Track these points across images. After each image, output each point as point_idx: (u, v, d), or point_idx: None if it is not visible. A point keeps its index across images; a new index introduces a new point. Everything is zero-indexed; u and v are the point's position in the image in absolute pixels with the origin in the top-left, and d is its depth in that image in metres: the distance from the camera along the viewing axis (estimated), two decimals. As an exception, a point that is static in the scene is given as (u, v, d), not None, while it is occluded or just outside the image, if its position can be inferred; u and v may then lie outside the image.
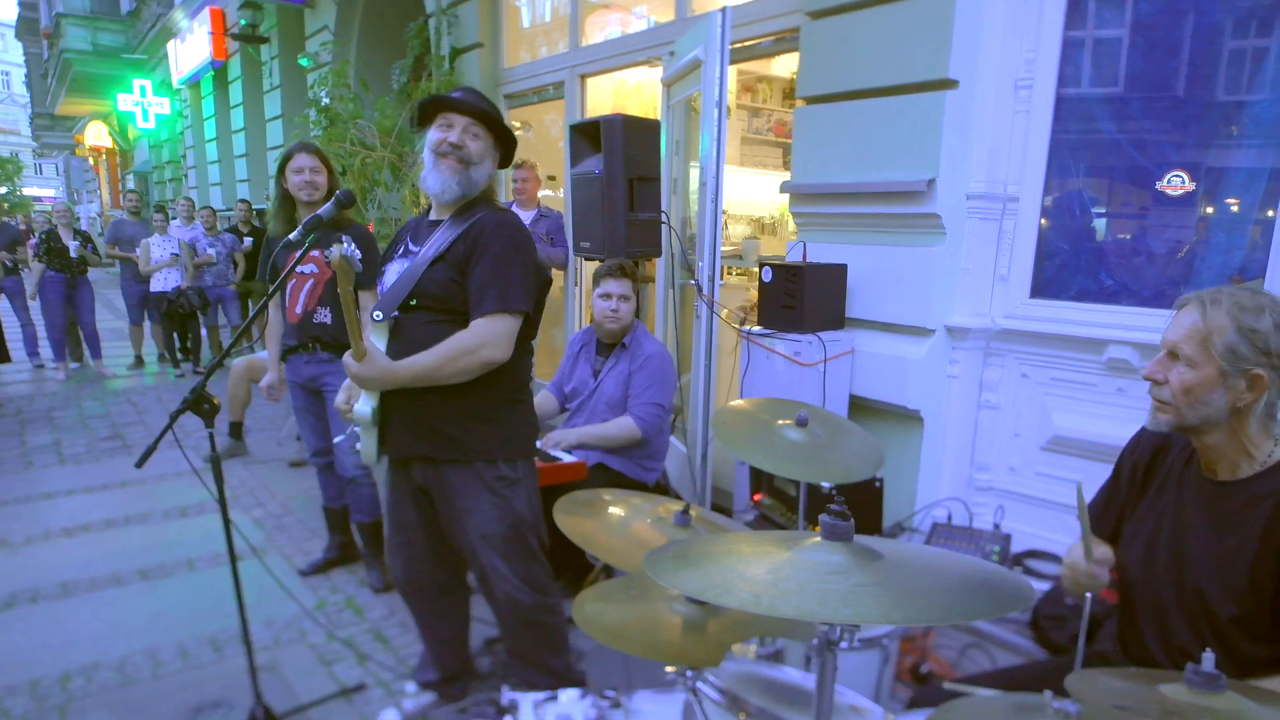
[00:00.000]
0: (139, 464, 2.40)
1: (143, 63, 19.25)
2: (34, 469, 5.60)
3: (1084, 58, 3.38)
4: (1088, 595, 1.55)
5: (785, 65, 7.22)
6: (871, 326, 3.77)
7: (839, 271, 3.74)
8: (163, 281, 8.58)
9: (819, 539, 1.18)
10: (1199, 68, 3.19)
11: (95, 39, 19.89)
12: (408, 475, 2.50)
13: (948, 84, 3.39)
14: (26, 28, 28.87)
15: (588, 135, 3.90)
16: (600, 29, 6.25)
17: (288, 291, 3.63)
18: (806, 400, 3.18)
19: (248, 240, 9.35)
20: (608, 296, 3.62)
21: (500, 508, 2.41)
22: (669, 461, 3.95)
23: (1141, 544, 1.78)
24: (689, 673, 1.35)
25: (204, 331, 9.39)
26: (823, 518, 1.16)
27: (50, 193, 43.36)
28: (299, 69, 9.69)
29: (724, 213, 7.53)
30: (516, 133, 2.59)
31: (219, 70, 13.77)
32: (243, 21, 10.79)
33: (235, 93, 13.27)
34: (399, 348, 2.29)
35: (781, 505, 3.44)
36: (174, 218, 9.26)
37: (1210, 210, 3.19)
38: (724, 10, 3.55)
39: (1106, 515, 1.93)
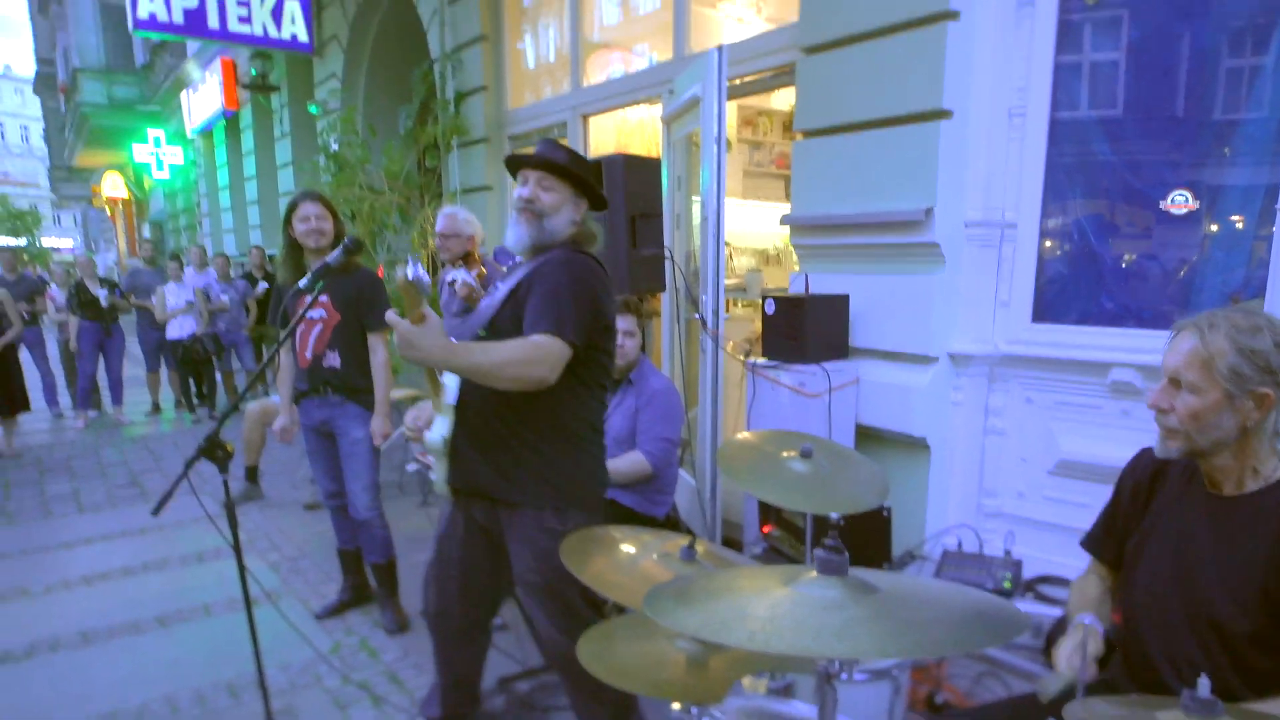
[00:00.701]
0: (155, 511, 2.43)
1: (157, 114, 19.66)
2: (53, 518, 5.67)
3: (1077, 83, 3.43)
4: (1085, 624, 1.56)
5: (785, 99, 7.30)
6: (875, 355, 3.80)
7: (841, 302, 3.78)
8: (178, 329, 8.71)
9: (815, 573, 1.20)
10: (1192, 88, 3.23)
11: (111, 92, 20.32)
12: (468, 511, 2.53)
13: (942, 114, 3.44)
14: (44, 83, 29.57)
15: (590, 175, 3.96)
16: (601, 69, 6.36)
17: (298, 337, 3.69)
18: (813, 431, 3.21)
19: (261, 285, 9.48)
20: (613, 333, 3.66)
21: (541, 559, 2.37)
22: (679, 495, 3.96)
23: (1145, 563, 1.79)
24: (694, 709, 1.37)
25: (219, 377, 9.50)
26: (817, 552, 1.19)
27: (68, 243, 44.08)
28: (308, 116, 9.89)
29: (728, 245, 7.61)
30: None
31: (231, 119, 14.05)
32: (253, 71, 11.03)
33: (247, 140, 13.53)
34: (470, 383, 2.31)
35: (790, 537, 3.45)
36: (188, 265, 9.42)
37: (1208, 229, 3.21)
38: (720, 48, 3.63)
39: (1109, 538, 1.94)
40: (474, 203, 7.12)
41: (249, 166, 13.58)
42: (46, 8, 27.37)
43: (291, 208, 3.67)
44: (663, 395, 3.65)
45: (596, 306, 2.32)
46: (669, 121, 4.77)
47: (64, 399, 9.26)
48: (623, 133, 7.03)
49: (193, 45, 14.58)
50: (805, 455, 2.31)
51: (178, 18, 9.03)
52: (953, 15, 3.39)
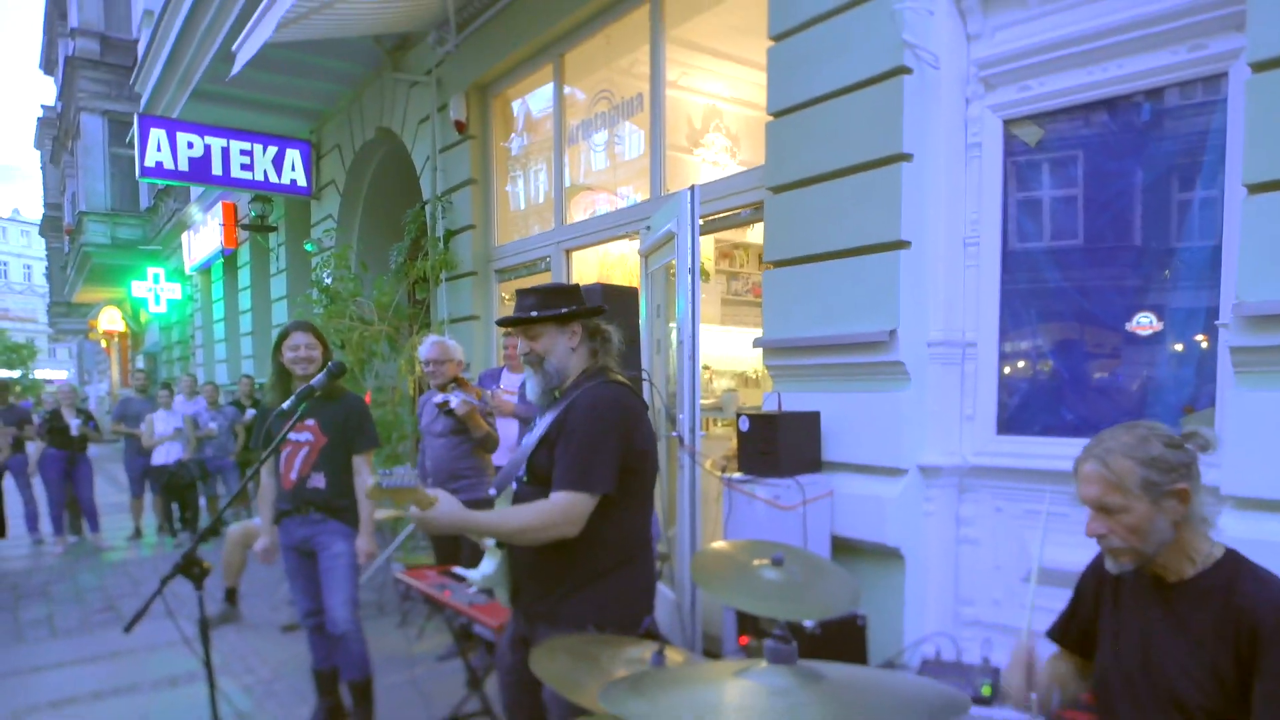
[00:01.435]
0: (127, 629, 2.44)
1: (157, 253, 20.26)
2: (26, 643, 5.56)
3: (1025, 215, 3.71)
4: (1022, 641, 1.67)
5: (760, 233, 7.68)
6: (848, 469, 3.91)
7: (812, 418, 3.92)
8: (164, 454, 8.76)
9: (765, 663, 1.28)
10: (1128, 221, 3.49)
11: (114, 233, 21.01)
12: (517, 623, 2.58)
13: (900, 244, 3.70)
14: (50, 225, 30.48)
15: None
16: (584, 208, 6.72)
17: (282, 459, 3.77)
18: (789, 542, 3.27)
19: (250, 412, 9.59)
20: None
21: None
22: (659, 609, 3.97)
23: (1116, 654, 1.88)
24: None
25: (203, 502, 9.47)
26: (766, 643, 1.26)
27: (63, 374, 44.25)
28: (304, 252, 10.27)
29: (707, 368, 7.84)
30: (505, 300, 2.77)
31: (229, 256, 14.50)
32: (253, 213, 11.48)
33: (244, 277, 13.93)
34: None
35: (769, 649, 3.46)
36: (178, 393, 9.55)
37: (1159, 347, 3.40)
38: (693, 188, 3.92)
39: (1071, 627, 2.06)
40: (461, 331, 7.35)
41: (244, 301, 13.92)
42: (58, 157, 28.57)
43: (282, 336, 3.80)
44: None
45: (625, 443, 2.37)
46: (646, 255, 5.04)
47: (46, 525, 9.18)
48: (605, 265, 7.36)
49: (196, 189, 15.21)
50: (777, 563, 2.37)
51: (183, 165, 9.51)
52: (906, 157, 3.69)
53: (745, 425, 3.95)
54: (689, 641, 3.74)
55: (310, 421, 3.72)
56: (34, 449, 8.85)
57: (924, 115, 3.70)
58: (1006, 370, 3.71)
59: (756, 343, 4.38)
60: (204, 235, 15.56)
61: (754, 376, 7.87)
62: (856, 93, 3.84)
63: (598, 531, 2.35)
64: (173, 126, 9.45)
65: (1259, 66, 2.81)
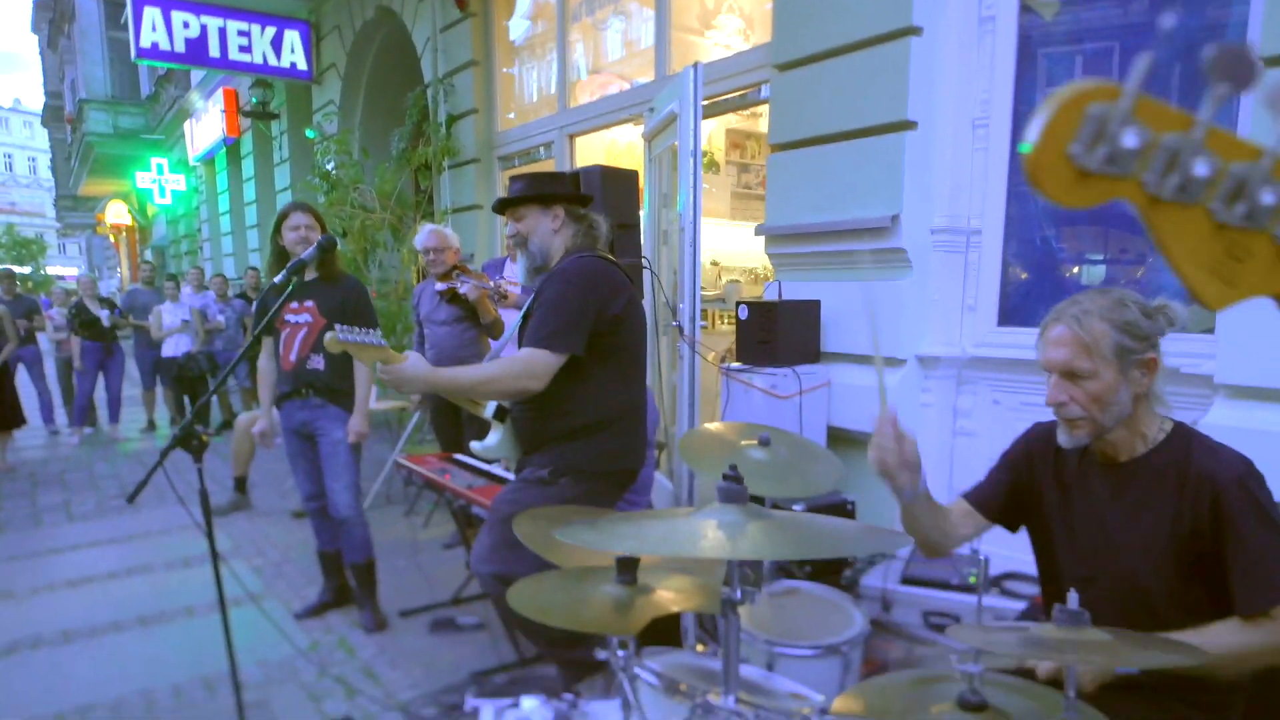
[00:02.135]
0: (130, 499, 2.50)
1: (160, 142, 19.95)
2: (43, 527, 5.72)
3: (1038, 96, 3.55)
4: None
5: (771, 122, 7.46)
6: (846, 359, 3.88)
7: (812, 307, 3.87)
8: (174, 347, 8.79)
9: (718, 504, 1.27)
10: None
11: (116, 122, 20.65)
12: None
13: (907, 125, 3.56)
14: (52, 115, 30.02)
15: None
16: (588, 92, 6.51)
17: (281, 340, 3.77)
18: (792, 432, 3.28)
19: (256, 305, 9.58)
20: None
21: (511, 492, 2.63)
22: (655, 497, 4.03)
23: (1067, 545, 1.83)
24: (620, 654, 1.43)
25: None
26: (718, 483, 1.25)
27: (73, 271, 44.40)
28: (307, 141, 10.07)
29: (715, 263, 7.74)
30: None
31: (232, 146, 14.27)
32: (254, 100, 11.23)
33: (247, 167, 13.74)
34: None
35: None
36: (185, 285, 9.54)
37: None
38: (696, 65, 3.75)
39: (993, 495, 1.98)
40: (464, 221, 7.26)
41: (249, 192, 13.77)
42: (56, 42, 27.89)
43: (282, 217, 3.76)
44: None
45: (596, 308, 2.49)
46: (650, 139, 4.89)
47: (60, 416, 9.33)
48: (612, 155, 7.19)
49: (196, 75, 14.86)
50: (763, 444, 2.38)
51: (179, 47, 9.25)
52: (915, 31, 3.52)
53: (744, 314, 3.90)
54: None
55: (309, 303, 3.70)
56: (45, 339, 8.93)
57: (936, -14, 3.51)
58: (1010, 260, 3.62)
59: (759, 230, 4.28)
60: (206, 123, 15.27)
61: (764, 273, 7.80)
62: (867, -38, 3.64)
63: (572, 392, 2.51)
64: (168, 5, 9.14)
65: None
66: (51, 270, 43.09)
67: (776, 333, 3.73)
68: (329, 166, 7.86)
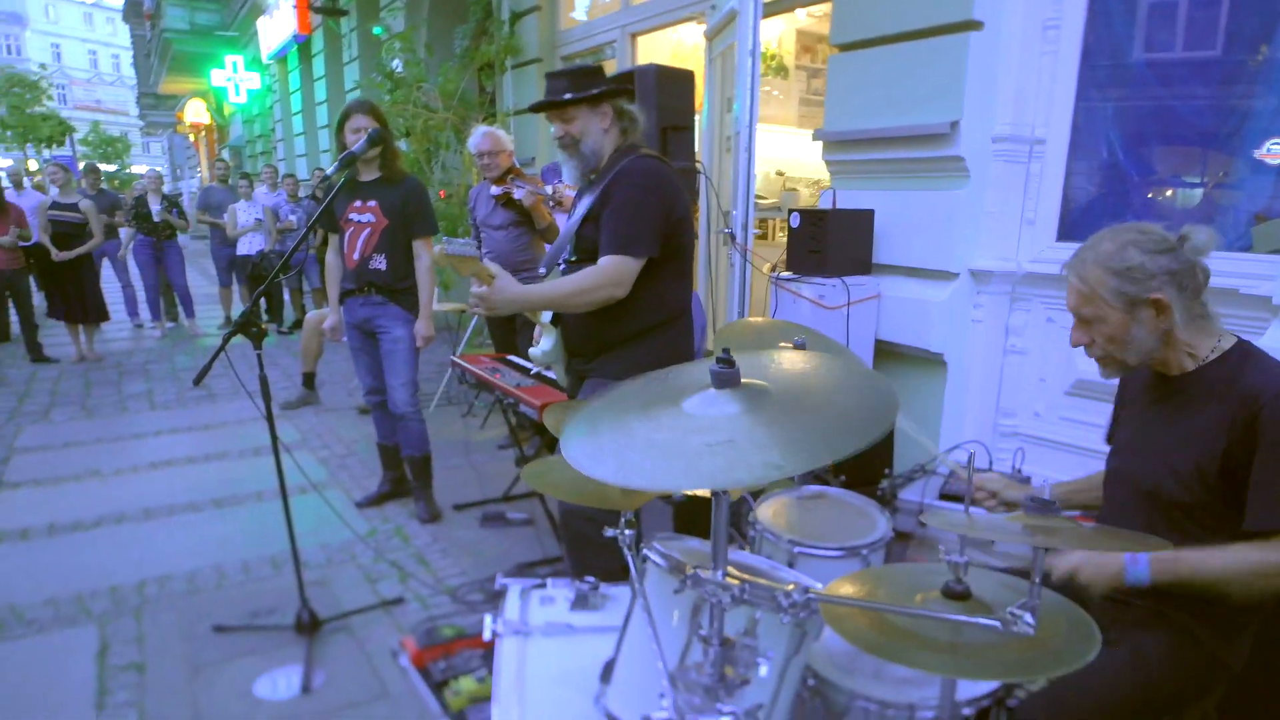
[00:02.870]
0: (196, 381, 2.66)
1: (235, 39, 20.11)
2: (128, 413, 6.09)
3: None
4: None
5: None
6: (898, 272, 3.82)
7: (865, 217, 3.79)
8: (248, 245, 9.06)
9: (710, 389, 1.27)
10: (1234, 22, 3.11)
11: (193, 18, 20.80)
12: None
13: (973, 25, 3.40)
14: (132, 10, 30.34)
15: (623, 88, 4.02)
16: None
17: (345, 239, 3.86)
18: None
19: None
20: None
21: None
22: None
23: (1115, 449, 1.90)
24: (627, 533, 1.51)
25: (286, 295, 9.88)
26: (711, 367, 1.27)
27: (158, 170, 45.59)
28: (375, 40, 10.03)
29: (781, 173, 7.58)
30: None
31: (303, 45, 14.31)
32: (324, -6, 11.20)
33: (318, 66, 13.78)
34: None
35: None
36: (259, 184, 9.75)
37: (1233, 152, 3.12)
38: (757, -42, 3.62)
39: (1112, 426, 2.04)
40: (525, 123, 7.22)
41: (320, 91, 13.85)
42: (132, -66, 28.02)
43: (344, 117, 3.80)
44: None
45: (665, 210, 2.48)
46: (711, 37, 4.76)
47: (144, 311, 9.77)
48: (677, 56, 7.01)
49: (269, -29, 14.85)
50: (798, 347, 2.39)
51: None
52: (988, -77, 3.32)
53: (795, 222, 3.85)
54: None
55: (372, 203, 3.78)
56: (125, 235, 9.28)
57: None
58: (1074, 172, 3.47)
59: (816, 135, 4.18)
60: (278, 20, 15.29)
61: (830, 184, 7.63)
62: None
63: (637, 295, 2.48)
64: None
65: None
66: (136, 169, 44.34)
67: (827, 242, 3.68)
68: (395, 65, 7.84)
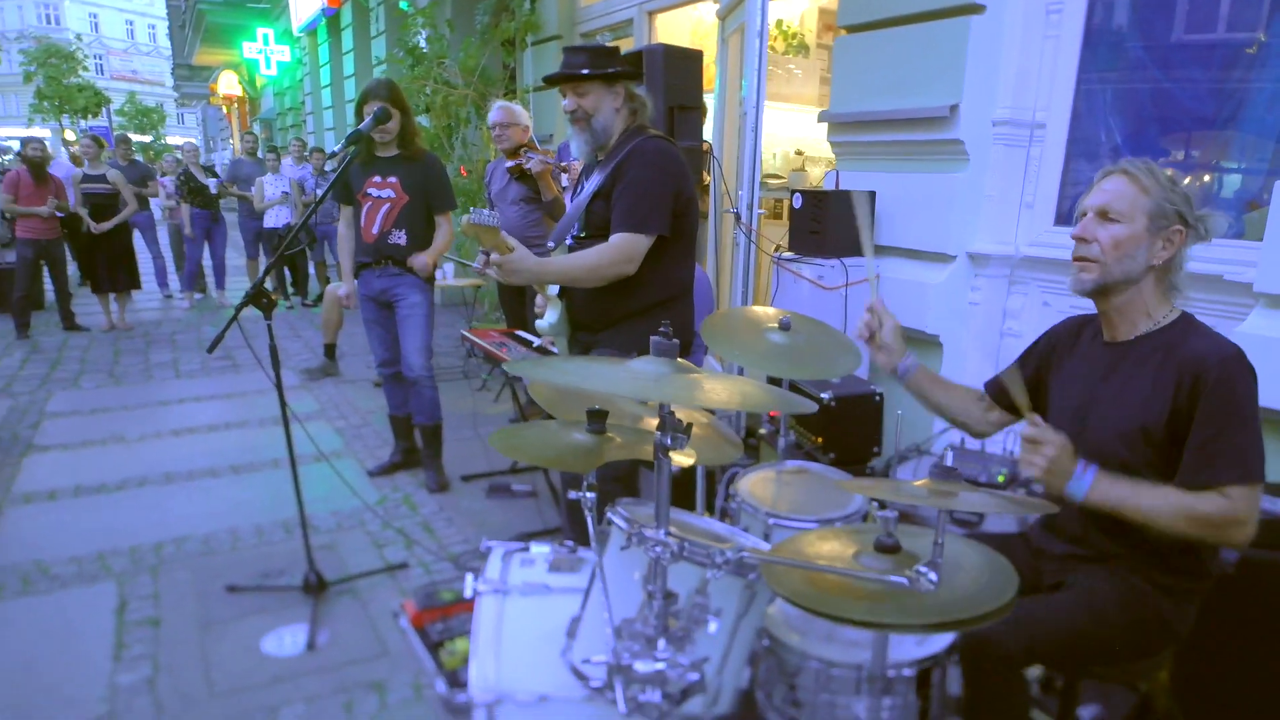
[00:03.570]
0: (210, 349, 2.77)
1: (267, 12, 20.27)
2: (154, 381, 6.30)
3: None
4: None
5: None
6: (897, 253, 3.86)
7: (866, 199, 3.82)
8: (274, 218, 9.23)
9: (650, 356, 1.41)
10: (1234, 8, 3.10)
11: (226, -13, 21.03)
12: None
13: (974, 9, 3.42)
14: (167, -19, 30.69)
15: (631, 67, 4.08)
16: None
17: (364, 213, 3.96)
18: (830, 324, 3.33)
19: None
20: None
21: None
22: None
23: (1054, 414, 1.94)
24: (589, 495, 1.61)
25: (311, 267, 10.05)
26: (653, 338, 1.39)
27: (191, 140, 46.13)
28: (402, 14, 10.08)
29: (800, 153, 7.57)
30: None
31: (332, 18, 14.41)
32: (352, -33, 11.27)
33: (346, 39, 13.89)
34: None
35: (794, 420, 3.62)
36: (286, 157, 9.89)
37: (1230, 139, 3.13)
38: (765, -63, 3.64)
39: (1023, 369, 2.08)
40: (545, 99, 7.28)
41: (348, 65, 13.96)
42: (168, -94, 28.22)
43: (363, 99, 3.85)
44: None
45: (675, 190, 2.58)
46: (723, 16, 4.80)
47: (173, 282, 9.99)
48: (696, 36, 7.01)
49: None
50: (784, 328, 2.46)
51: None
52: (992, -95, 3.33)
53: (798, 203, 3.90)
54: (731, 420, 3.92)
55: (392, 179, 3.88)
56: (159, 205, 9.48)
57: None
58: (1072, 156, 3.49)
59: (822, 116, 4.21)
60: (308, -7, 15.43)
61: (846, 164, 7.60)
62: None
63: (643, 272, 2.59)
64: None
65: None
66: (171, 140, 44.90)
67: (827, 223, 3.73)
68: (421, 39, 7.90)
